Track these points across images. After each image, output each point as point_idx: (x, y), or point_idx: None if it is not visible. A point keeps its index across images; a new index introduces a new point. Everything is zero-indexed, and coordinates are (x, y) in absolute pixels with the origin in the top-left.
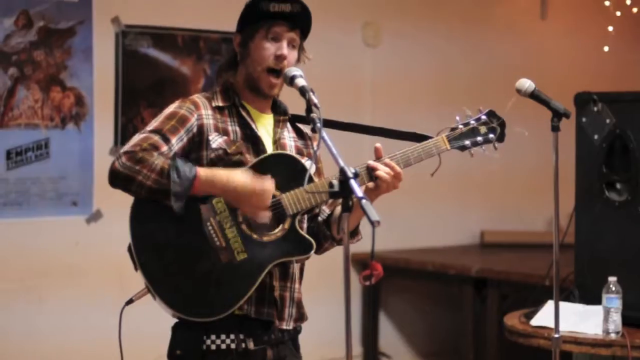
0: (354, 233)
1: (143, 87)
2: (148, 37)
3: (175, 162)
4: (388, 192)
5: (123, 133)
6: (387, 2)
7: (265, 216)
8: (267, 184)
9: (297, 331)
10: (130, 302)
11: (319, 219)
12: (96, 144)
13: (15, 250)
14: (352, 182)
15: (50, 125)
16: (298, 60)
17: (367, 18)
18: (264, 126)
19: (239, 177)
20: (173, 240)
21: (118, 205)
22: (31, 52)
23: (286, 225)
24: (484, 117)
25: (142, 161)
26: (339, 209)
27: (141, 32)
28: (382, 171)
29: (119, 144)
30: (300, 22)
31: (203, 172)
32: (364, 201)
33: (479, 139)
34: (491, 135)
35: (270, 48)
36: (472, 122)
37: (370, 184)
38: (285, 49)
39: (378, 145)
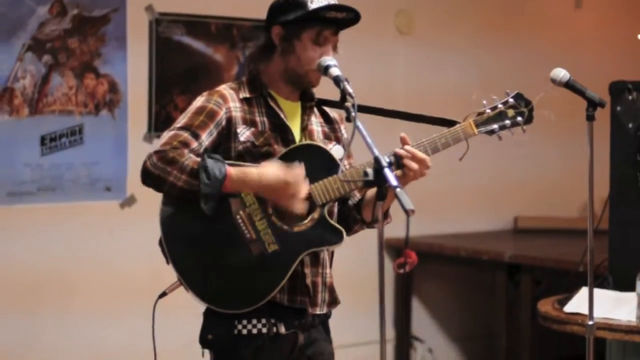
0: (385, 215)
1: (176, 75)
2: (181, 24)
3: (205, 162)
4: (416, 179)
5: (157, 120)
6: None
7: (302, 205)
8: (299, 172)
9: (327, 315)
10: (163, 294)
11: (350, 202)
12: (130, 131)
13: (49, 235)
14: (387, 171)
15: (84, 111)
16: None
17: (400, 6)
18: (292, 114)
19: (271, 172)
20: (204, 234)
21: (152, 191)
22: (65, 40)
23: (316, 215)
24: (511, 100)
25: (173, 162)
26: (369, 193)
27: (174, 19)
28: (408, 159)
29: (152, 130)
30: (346, 25)
31: (234, 171)
32: (398, 190)
33: (507, 122)
34: (519, 118)
35: (317, 51)
36: (500, 105)
37: (398, 172)
38: (331, 54)
39: (403, 134)
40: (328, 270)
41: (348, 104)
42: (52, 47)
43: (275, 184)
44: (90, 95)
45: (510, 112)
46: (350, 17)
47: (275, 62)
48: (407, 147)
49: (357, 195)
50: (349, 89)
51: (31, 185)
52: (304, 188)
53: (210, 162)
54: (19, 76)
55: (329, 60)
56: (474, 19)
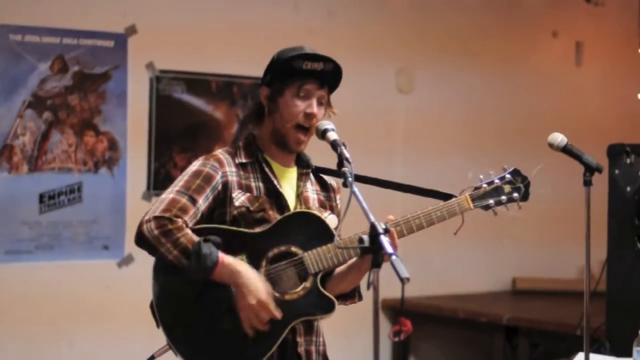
0: (351, 295)
1: (176, 132)
2: (182, 82)
3: (198, 246)
4: None
5: (156, 177)
6: (421, 48)
7: (251, 331)
8: (278, 312)
9: None
10: (152, 358)
11: None
12: (129, 188)
13: (47, 293)
14: (383, 238)
15: (83, 169)
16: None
17: (400, 64)
18: (288, 180)
19: (259, 287)
20: (195, 300)
21: None
22: (66, 97)
23: (308, 284)
24: (508, 175)
25: (168, 234)
26: (338, 269)
27: (175, 77)
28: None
29: (151, 188)
30: (330, 80)
31: (226, 261)
32: (393, 257)
33: (503, 198)
34: (515, 195)
35: (300, 105)
36: (497, 181)
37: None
38: (315, 107)
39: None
40: (321, 339)
41: (345, 169)
42: (53, 104)
43: (253, 299)
44: (90, 152)
45: (507, 188)
46: (329, 68)
47: (266, 124)
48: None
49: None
50: (347, 153)
51: (29, 243)
52: (266, 319)
53: (204, 247)
54: (19, 133)
55: (326, 124)
56: (475, 76)
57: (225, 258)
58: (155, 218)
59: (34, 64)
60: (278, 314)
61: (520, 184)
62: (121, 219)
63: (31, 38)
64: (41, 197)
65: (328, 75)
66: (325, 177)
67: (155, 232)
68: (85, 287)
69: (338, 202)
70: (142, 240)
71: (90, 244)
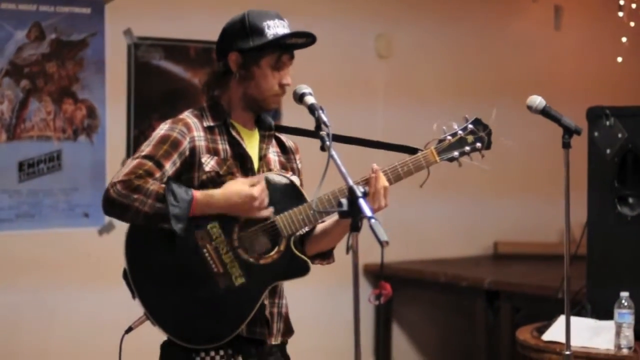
0: (328, 255)
1: (155, 99)
2: (160, 49)
3: (171, 185)
4: (379, 209)
5: (135, 144)
6: (399, 14)
7: (269, 212)
8: (261, 183)
9: (284, 344)
10: (129, 330)
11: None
12: (108, 156)
13: (27, 262)
14: (362, 201)
15: (62, 137)
16: None
17: (379, 30)
18: (251, 142)
19: (235, 190)
20: (170, 268)
21: None
22: (43, 65)
23: (282, 247)
24: (470, 126)
25: (137, 189)
26: (319, 226)
27: (153, 44)
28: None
29: (131, 155)
30: (300, 48)
31: (200, 194)
32: (373, 221)
33: (467, 148)
34: (478, 144)
35: (276, 76)
36: (460, 132)
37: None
38: (289, 79)
39: (375, 165)
40: (284, 301)
41: (323, 133)
42: (30, 71)
43: (241, 200)
44: (69, 120)
45: (470, 138)
46: (309, 42)
47: (232, 89)
48: (377, 170)
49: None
50: (324, 117)
51: (9, 212)
52: (267, 197)
53: (175, 186)
54: None
55: (304, 88)
56: (453, 42)
57: (197, 191)
58: (120, 181)
59: (10, 31)
60: (262, 186)
61: (482, 132)
62: (101, 186)
63: (7, 5)
64: (20, 165)
65: (300, 46)
66: (283, 138)
67: (124, 191)
68: (66, 255)
69: (298, 163)
70: (110, 204)
71: (70, 212)
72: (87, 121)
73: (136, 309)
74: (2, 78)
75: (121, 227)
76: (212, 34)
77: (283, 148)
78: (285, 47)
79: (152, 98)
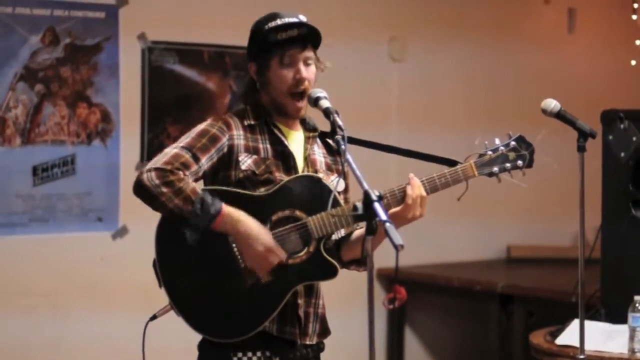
0: (364, 261)
1: (169, 103)
2: (174, 53)
3: (204, 194)
4: (414, 219)
5: (149, 149)
6: (413, 17)
7: (267, 275)
8: (283, 252)
9: (320, 348)
10: (153, 318)
11: (333, 238)
12: (122, 160)
13: (41, 266)
14: (376, 205)
15: (76, 141)
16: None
17: (393, 33)
18: (295, 142)
19: (262, 234)
20: (198, 260)
21: (144, 221)
22: (58, 69)
23: (311, 248)
24: (513, 143)
25: (169, 184)
26: (358, 232)
27: (167, 48)
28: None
29: (145, 159)
30: (310, 39)
31: (228, 212)
32: (387, 224)
33: (507, 165)
34: (519, 162)
35: (288, 74)
36: (501, 148)
37: (397, 208)
38: (303, 71)
39: (412, 175)
40: (321, 301)
41: (338, 137)
42: (45, 76)
43: (259, 250)
44: (83, 124)
45: (512, 155)
46: (303, 32)
47: (263, 97)
48: (413, 177)
49: (342, 232)
50: (339, 121)
51: (23, 216)
52: (269, 265)
53: (208, 197)
54: (11, 106)
55: (318, 92)
56: (467, 44)
57: (228, 207)
58: (157, 169)
59: (25, 36)
60: (284, 256)
61: (524, 150)
62: (115, 190)
63: (22, 10)
64: (34, 169)
65: (306, 37)
66: (331, 141)
67: (156, 181)
68: (79, 260)
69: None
70: (141, 188)
71: (84, 216)
72: (101, 125)
73: (150, 311)
74: (17, 82)
75: (135, 232)
76: (225, 38)
77: (330, 150)
78: (286, 42)
79: (165, 102)
